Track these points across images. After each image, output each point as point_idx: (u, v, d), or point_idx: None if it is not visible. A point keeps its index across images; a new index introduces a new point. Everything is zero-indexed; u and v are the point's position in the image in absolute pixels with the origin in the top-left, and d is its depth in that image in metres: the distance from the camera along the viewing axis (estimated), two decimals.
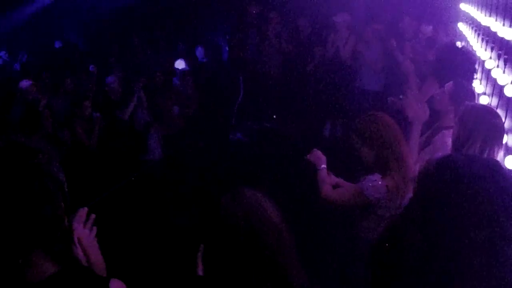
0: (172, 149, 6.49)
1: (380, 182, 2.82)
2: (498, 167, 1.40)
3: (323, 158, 3.22)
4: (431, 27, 5.71)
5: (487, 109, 2.84)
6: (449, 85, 3.54)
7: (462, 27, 5.69)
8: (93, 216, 1.85)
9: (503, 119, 3.21)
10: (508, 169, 2.78)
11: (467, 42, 5.05)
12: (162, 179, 5.91)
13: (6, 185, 1.39)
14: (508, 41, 3.34)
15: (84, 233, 1.80)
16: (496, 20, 3.77)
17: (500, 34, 3.49)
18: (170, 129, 6.67)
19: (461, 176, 1.36)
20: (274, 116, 8.00)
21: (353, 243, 3.04)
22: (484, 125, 2.61)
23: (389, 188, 2.81)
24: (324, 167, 3.17)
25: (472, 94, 3.64)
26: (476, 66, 4.24)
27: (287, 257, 1.60)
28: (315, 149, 3.29)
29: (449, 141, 2.92)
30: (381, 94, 6.45)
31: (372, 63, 6.84)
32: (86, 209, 1.86)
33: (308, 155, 3.26)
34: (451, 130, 2.91)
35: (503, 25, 3.52)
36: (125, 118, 5.93)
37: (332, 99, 7.16)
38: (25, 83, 5.56)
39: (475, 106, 2.80)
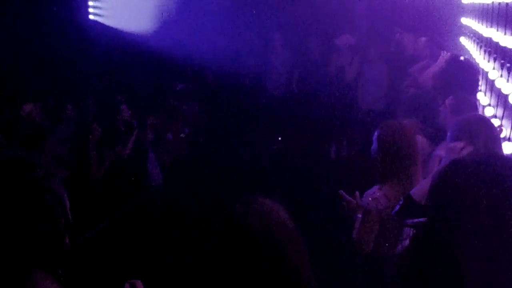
0: (175, 174, 6.42)
1: (378, 194, 2.79)
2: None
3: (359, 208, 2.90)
4: (423, 39, 5.73)
5: (480, 118, 2.82)
6: (450, 99, 3.49)
7: (464, 41, 5.67)
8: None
9: (509, 129, 3.15)
10: None
11: (470, 55, 5.02)
12: (164, 203, 5.84)
13: (4, 198, 1.35)
14: (510, 49, 3.30)
15: None
16: (497, 30, 3.74)
17: (502, 44, 3.44)
18: (171, 155, 6.61)
19: (483, 171, 1.36)
20: (279, 138, 7.95)
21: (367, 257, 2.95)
22: (483, 135, 2.57)
23: (388, 196, 2.77)
24: (360, 216, 2.85)
25: (474, 107, 3.58)
26: (479, 78, 4.20)
27: (302, 261, 1.61)
28: (354, 200, 2.90)
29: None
30: (385, 113, 6.39)
31: (376, 83, 6.81)
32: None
33: (345, 203, 2.93)
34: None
35: (505, 34, 3.48)
36: (125, 155, 5.89)
37: (337, 119, 7.10)
38: (28, 106, 5.60)
39: (468, 118, 2.76)
